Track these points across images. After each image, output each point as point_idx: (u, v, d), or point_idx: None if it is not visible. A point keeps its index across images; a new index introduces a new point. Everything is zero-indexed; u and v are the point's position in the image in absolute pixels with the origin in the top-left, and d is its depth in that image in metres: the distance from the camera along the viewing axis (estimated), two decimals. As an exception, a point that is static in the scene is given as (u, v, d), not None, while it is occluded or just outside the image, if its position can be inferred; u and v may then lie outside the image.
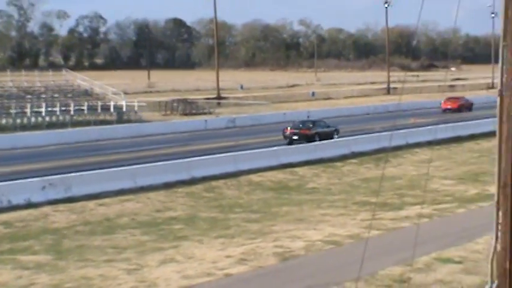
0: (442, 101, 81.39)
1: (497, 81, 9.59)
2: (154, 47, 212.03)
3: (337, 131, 53.92)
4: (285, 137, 51.89)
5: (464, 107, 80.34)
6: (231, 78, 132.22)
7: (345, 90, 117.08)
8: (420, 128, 56.91)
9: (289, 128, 52.40)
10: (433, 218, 28.25)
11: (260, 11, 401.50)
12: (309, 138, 50.65)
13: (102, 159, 44.08)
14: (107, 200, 32.85)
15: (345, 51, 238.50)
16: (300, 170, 42.17)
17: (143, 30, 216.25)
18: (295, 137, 51.06)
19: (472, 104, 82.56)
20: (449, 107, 79.39)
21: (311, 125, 53.16)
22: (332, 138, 51.79)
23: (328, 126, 53.81)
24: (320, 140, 50.01)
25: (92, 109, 70.48)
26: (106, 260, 23.01)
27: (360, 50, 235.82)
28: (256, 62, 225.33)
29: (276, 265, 21.88)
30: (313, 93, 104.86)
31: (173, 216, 30.83)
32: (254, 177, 39.61)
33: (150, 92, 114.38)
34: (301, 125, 53.00)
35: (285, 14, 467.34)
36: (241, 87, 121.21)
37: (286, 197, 35.60)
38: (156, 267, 21.93)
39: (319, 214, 30.44)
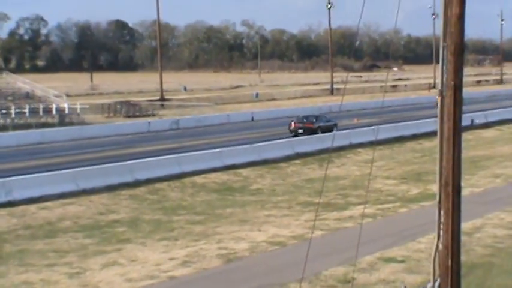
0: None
1: (439, 81, 9.66)
2: (97, 49, 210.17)
3: (335, 125, 57.26)
4: (291, 130, 56.65)
5: None
6: (175, 80, 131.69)
7: (289, 91, 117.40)
8: (363, 128, 57.35)
9: (294, 123, 57.28)
10: (376, 218, 28.45)
11: (203, 12, 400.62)
12: (313, 131, 55.05)
13: (44, 163, 43.48)
14: (48, 204, 32.41)
15: (288, 52, 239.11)
16: (244, 172, 42.15)
17: (85, 32, 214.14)
18: (300, 130, 55.89)
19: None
20: None
21: (314, 120, 57.95)
22: (332, 131, 55.19)
23: (329, 121, 58.30)
24: (322, 133, 54.14)
25: (34, 112, 69.53)
26: (47, 265, 22.69)
27: (303, 51, 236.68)
28: (199, 64, 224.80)
29: (220, 267, 21.81)
30: (257, 95, 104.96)
31: (116, 219, 30.54)
32: (198, 179, 39.48)
33: (93, 94, 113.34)
34: (305, 120, 57.95)
35: (227, 15, 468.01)
36: (185, 89, 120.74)
37: (230, 199, 35.54)
38: (99, 271, 21.69)
39: (263, 215, 30.45)
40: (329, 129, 55.94)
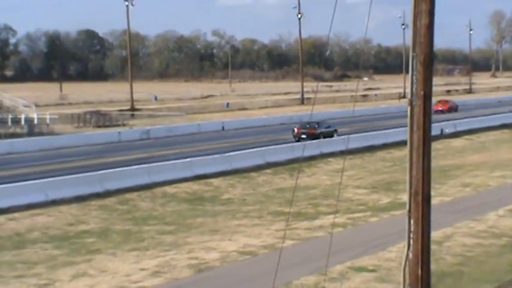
0: (434, 104, 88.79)
1: (409, 91, 9.72)
2: (66, 59, 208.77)
3: (336, 131, 60.54)
4: (294, 136, 59.31)
5: (452, 109, 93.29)
6: (145, 90, 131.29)
7: (260, 100, 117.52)
8: (334, 138, 57.56)
9: (297, 129, 60.27)
10: (347, 227, 28.52)
11: (173, 22, 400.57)
12: (316, 137, 57.61)
13: (12, 173, 43.13)
14: (16, 215, 32.13)
15: (259, 61, 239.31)
16: (215, 181, 42.09)
17: (54, 41, 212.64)
18: (303, 136, 58.46)
19: (458, 106, 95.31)
20: (440, 108, 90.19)
21: (316, 126, 60.56)
22: (332, 136, 58.78)
23: (329, 127, 61.23)
24: (324, 138, 57.28)
25: (2, 122, 68.94)
26: (16, 276, 22.49)
27: (273, 61, 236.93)
28: (170, 73, 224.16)
29: (191, 277, 21.74)
30: (227, 104, 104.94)
31: (86, 230, 30.36)
32: (169, 189, 39.36)
33: (63, 104, 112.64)
34: (307, 126, 60.28)
35: (198, 25, 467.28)
36: (156, 99, 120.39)
37: (201, 208, 35.47)
38: (68, 282, 21.54)
39: (234, 225, 30.42)
40: (329, 135, 59.26)
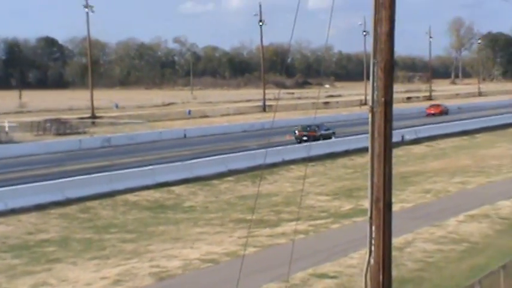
0: (427, 108, 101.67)
1: (370, 98, 9.77)
2: (26, 66, 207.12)
3: (334, 133, 64.96)
4: (296, 137, 62.90)
5: (443, 112, 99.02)
6: (106, 97, 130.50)
7: (221, 108, 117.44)
8: (296, 145, 57.71)
9: (298, 131, 63.82)
10: (309, 234, 28.59)
11: (134, 29, 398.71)
12: (316, 138, 61.41)
13: (-29, 182, 42.59)
14: (-25, 224, 31.75)
15: (220, 69, 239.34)
16: (177, 189, 41.96)
17: (13, 49, 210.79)
18: (304, 138, 62.20)
19: (448, 110, 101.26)
20: (433, 112, 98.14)
21: (316, 128, 64.38)
22: (330, 138, 62.94)
23: (328, 129, 65.47)
24: (323, 139, 61.04)
25: (-40, 130, 68.12)
26: (-25, 286, 22.20)
27: (235, 68, 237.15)
28: (131, 81, 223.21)
29: (152, 285, 21.64)
30: (189, 112, 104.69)
31: (46, 239, 30.07)
32: (130, 197, 39.16)
33: (22, 112, 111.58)
34: (308, 128, 64.19)
35: (159, 32, 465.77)
36: (116, 106, 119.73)
37: (163, 216, 35.33)
38: (28, 292, 21.31)
39: (196, 233, 30.36)
40: (328, 137, 63.20)
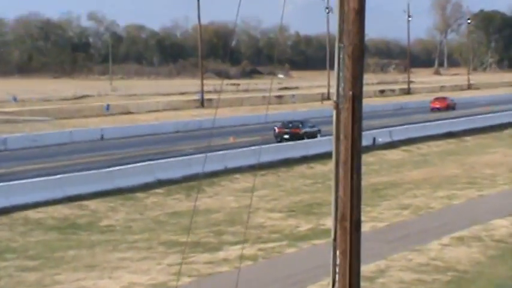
0: (431, 101, 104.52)
1: (334, 91, 9.83)
2: None
3: (319, 131, 66.31)
4: (275, 136, 65.28)
5: (450, 107, 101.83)
6: (1, 88, 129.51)
7: (149, 102, 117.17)
8: (242, 149, 57.64)
9: (278, 128, 66.14)
10: (258, 260, 28.66)
11: (38, 1, 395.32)
12: (300, 137, 63.82)
13: None
14: None
15: (147, 53, 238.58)
16: (92, 204, 41.74)
17: None
18: (286, 136, 64.63)
19: (455, 104, 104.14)
20: (438, 106, 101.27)
21: (300, 125, 67.12)
22: (316, 137, 64.76)
23: (313, 127, 67.46)
24: (308, 138, 63.34)
25: None
26: None
27: (166, 53, 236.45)
28: (33, 67, 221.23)
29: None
30: (107, 107, 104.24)
31: None
32: (32, 214, 38.84)
33: None
34: (290, 125, 66.89)
35: (70, 6, 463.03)
36: (15, 100, 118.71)
37: (74, 238, 35.13)
38: None
39: (116, 258, 30.24)
40: (313, 135, 65.31)
